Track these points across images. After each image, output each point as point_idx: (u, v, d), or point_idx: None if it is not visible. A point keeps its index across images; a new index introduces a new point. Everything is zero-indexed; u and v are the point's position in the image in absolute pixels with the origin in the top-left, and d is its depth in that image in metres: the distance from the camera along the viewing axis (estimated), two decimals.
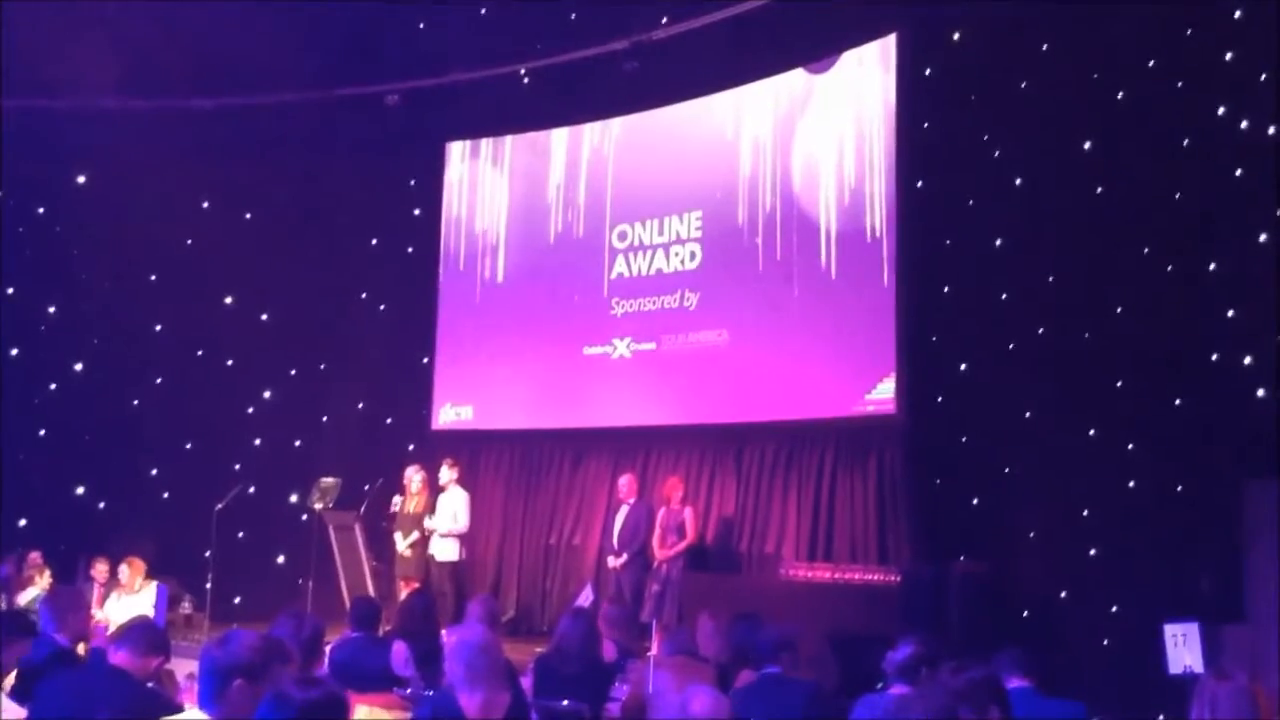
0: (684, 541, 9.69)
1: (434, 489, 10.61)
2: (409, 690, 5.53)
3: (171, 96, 12.03)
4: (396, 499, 10.68)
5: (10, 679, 5.01)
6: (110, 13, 10.75)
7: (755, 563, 10.08)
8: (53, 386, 12.69)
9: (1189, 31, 8.36)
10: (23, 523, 12.00)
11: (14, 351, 12.57)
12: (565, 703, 5.25)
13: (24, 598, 9.79)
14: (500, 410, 12.05)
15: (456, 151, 12.91)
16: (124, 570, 9.74)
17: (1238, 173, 8.04)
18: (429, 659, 5.92)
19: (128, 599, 9.48)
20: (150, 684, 4.28)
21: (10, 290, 12.64)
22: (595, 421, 11.44)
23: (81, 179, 12.88)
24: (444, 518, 10.45)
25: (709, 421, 10.76)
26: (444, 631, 6.92)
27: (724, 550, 10.23)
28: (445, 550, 10.43)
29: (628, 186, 11.63)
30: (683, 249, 11.15)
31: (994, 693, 3.67)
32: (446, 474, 10.64)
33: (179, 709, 3.85)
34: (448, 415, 12.43)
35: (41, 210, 12.87)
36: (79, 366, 12.71)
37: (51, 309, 12.82)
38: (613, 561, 10.00)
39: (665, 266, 11.24)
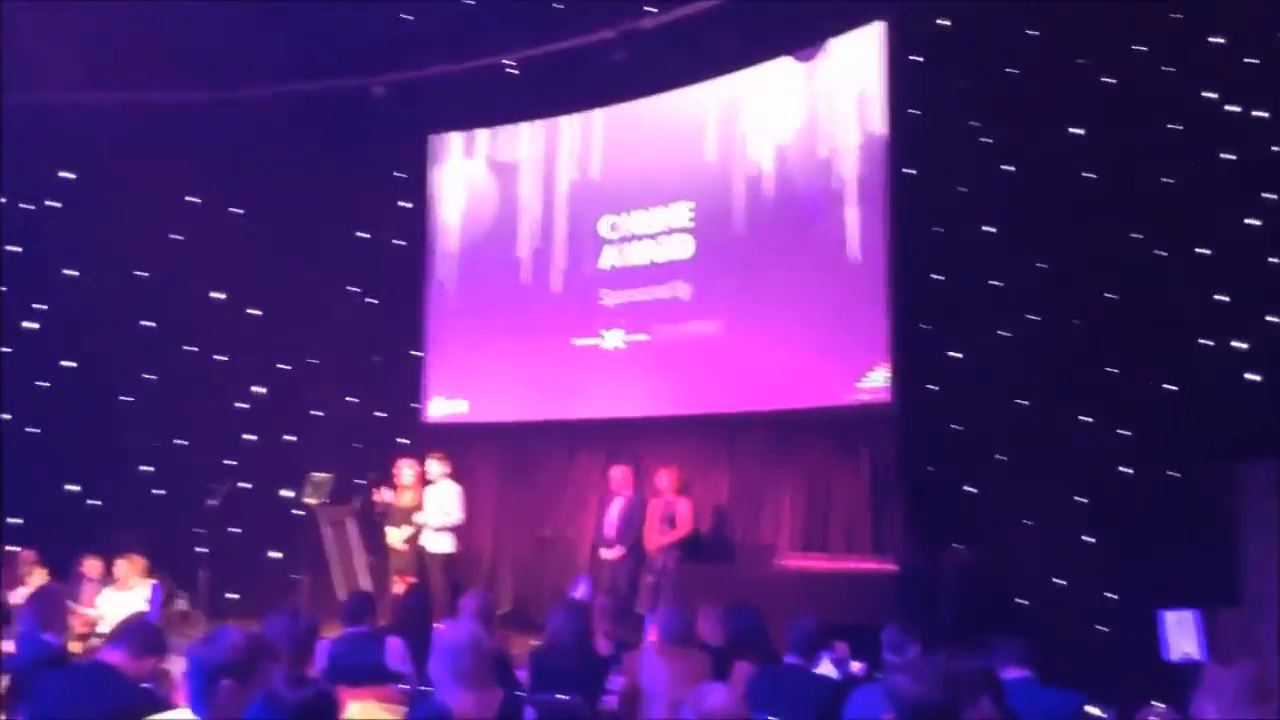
0: (678, 532, 9.68)
1: (425, 483, 10.58)
2: (405, 686, 5.51)
3: (155, 90, 11.97)
4: (386, 492, 10.65)
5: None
6: (92, 6, 10.64)
7: (750, 553, 10.05)
8: (42, 384, 12.62)
9: (1175, 15, 8.35)
10: (16, 521, 11.96)
11: (3, 349, 12.50)
12: (561, 697, 5.23)
13: (17, 596, 9.74)
14: (492, 403, 12.02)
15: (443, 144, 12.86)
16: (121, 565, 9.71)
17: (1225, 156, 8.03)
18: (425, 654, 5.89)
19: (120, 595, 9.46)
20: (145, 683, 4.26)
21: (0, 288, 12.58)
22: (588, 413, 11.41)
23: (67, 175, 12.80)
24: (434, 512, 10.42)
25: (702, 412, 10.75)
26: (437, 626, 6.90)
27: (718, 541, 10.22)
28: (438, 543, 10.38)
29: (617, 177, 11.60)
30: (673, 239, 11.12)
31: (986, 683, 3.65)
32: (436, 468, 10.59)
33: (171, 707, 3.83)
34: (439, 408, 12.40)
35: (29, 207, 12.79)
36: (68, 364, 12.65)
37: (40, 306, 12.75)
38: (606, 554, 9.99)
39: (657, 256, 11.21)
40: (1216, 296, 8.07)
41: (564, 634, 5.65)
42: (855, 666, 5.96)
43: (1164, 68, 8.38)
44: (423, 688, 5.26)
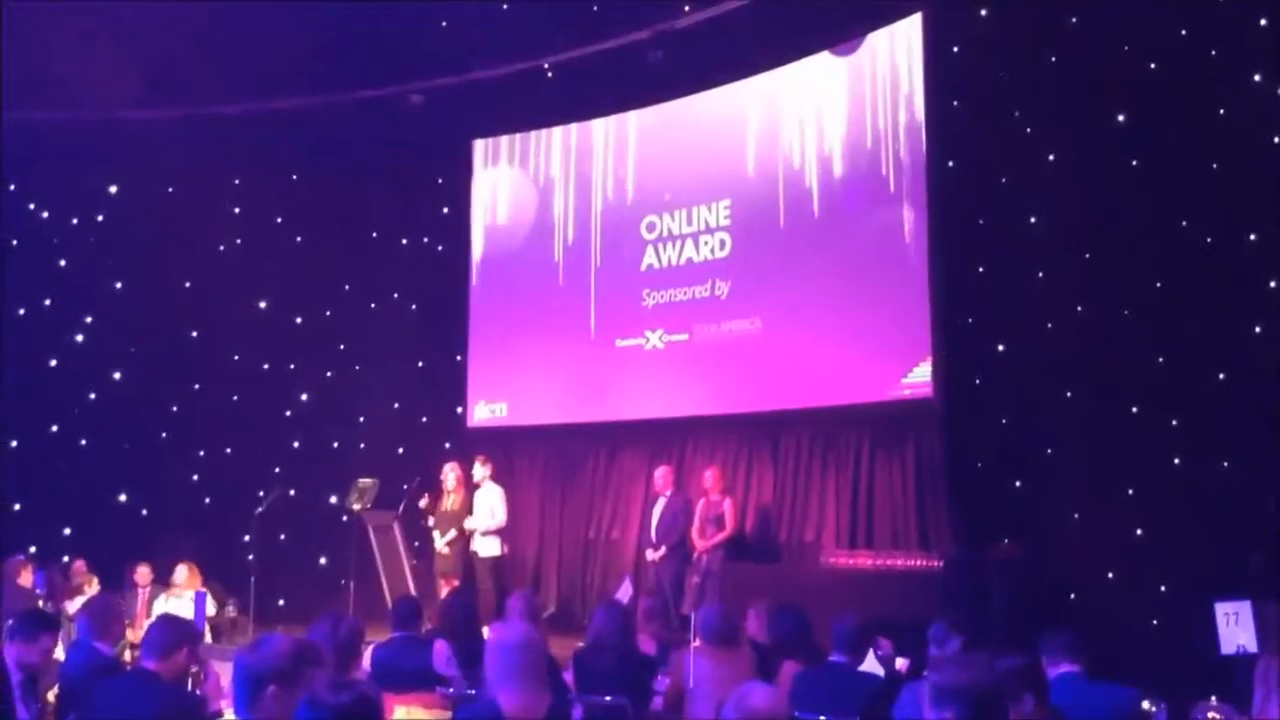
0: (723, 533, 9.65)
1: (469, 486, 10.62)
2: (451, 690, 5.51)
3: (197, 104, 12.10)
4: (429, 498, 10.70)
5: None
6: (132, 23, 10.79)
7: (795, 552, 10.02)
8: (92, 395, 12.80)
9: None
10: (67, 531, 12.14)
11: (53, 362, 12.69)
12: (607, 698, 5.21)
13: (72, 606, 9.86)
14: (535, 406, 12.03)
15: (483, 149, 12.90)
16: (180, 571, 9.82)
17: (1275, 140, 7.89)
18: (471, 657, 5.89)
19: (175, 601, 9.55)
20: (189, 681, 4.32)
21: (48, 301, 12.77)
22: (630, 414, 11.39)
23: (113, 189, 12.98)
24: (482, 515, 10.47)
25: (744, 411, 10.69)
26: (486, 628, 6.90)
27: (764, 540, 10.17)
28: (487, 546, 10.46)
29: (655, 177, 11.57)
30: (712, 238, 11.08)
31: (1029, 680, 3.54)
32: (480, 470, 10.66)
33: (213, 712, 3.88)
34: (482, 412, 12.43)
35: (75, 221, 12.99)
36: (117, 375, 12.81)
37: (89, 319, 12.94)
38: (651, 554, 9.97)
39: (695, 256, 11.17)
40: (1269, 283, 7.93)
41: (608, 634, 5.62)
42: (900, 663, 5.90)
43: (1210, 51, 8.24)
44: (469, 690, 5.27)
